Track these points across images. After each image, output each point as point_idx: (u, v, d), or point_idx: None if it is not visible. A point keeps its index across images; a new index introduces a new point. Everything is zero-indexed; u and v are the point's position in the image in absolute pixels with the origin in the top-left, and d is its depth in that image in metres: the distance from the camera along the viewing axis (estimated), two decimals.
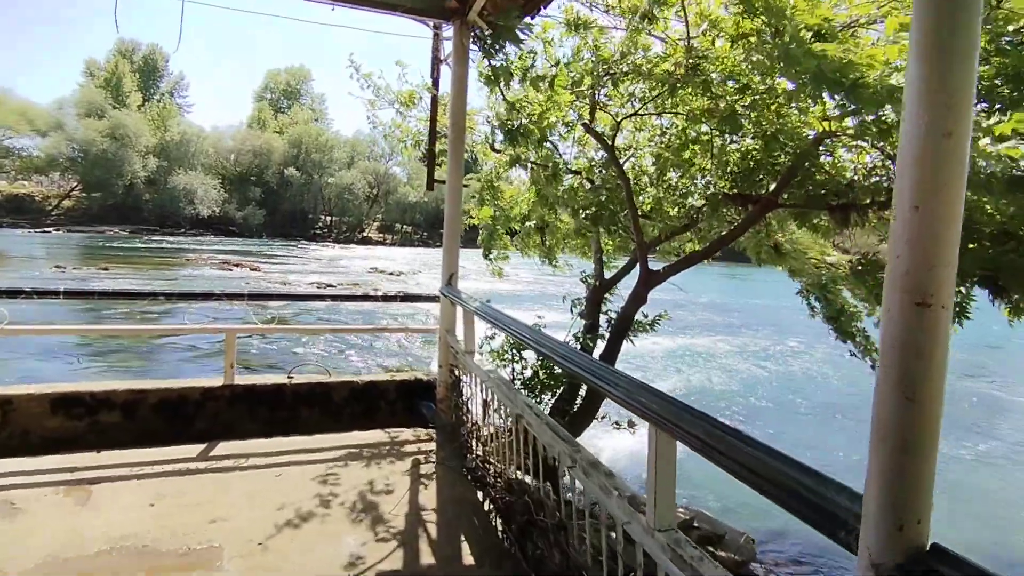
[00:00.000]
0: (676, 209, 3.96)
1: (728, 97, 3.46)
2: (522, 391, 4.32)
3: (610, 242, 4.41)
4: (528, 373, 4.61)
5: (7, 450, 3.34)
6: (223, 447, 3.51)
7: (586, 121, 3.85)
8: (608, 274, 5.15)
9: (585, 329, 4.20)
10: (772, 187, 3.67)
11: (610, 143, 3.87)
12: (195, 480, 3.08)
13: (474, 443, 3.43)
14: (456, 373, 3.97)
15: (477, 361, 3.52)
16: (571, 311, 4.39)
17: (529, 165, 4.95)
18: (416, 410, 4.28)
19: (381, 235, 73.32)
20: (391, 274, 26.76)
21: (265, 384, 3.94)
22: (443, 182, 4.94)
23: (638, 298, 3.88)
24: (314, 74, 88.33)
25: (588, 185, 4.50)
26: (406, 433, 3.92)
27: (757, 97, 3.41)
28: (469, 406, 3.71)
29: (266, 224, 62.61)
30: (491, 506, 3.02)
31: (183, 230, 54.92)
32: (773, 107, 3.48)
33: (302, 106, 79.31)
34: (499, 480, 3.06)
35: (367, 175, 71.21)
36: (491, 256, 6.09)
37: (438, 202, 76.54)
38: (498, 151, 5.36)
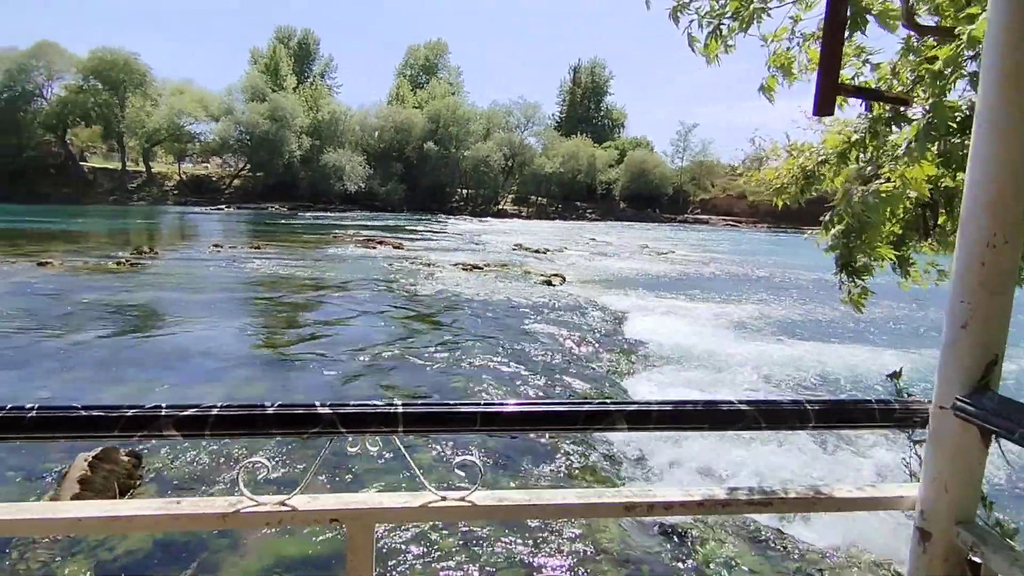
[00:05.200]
0: None
1: None
2: None
3: None
4: None
5: None
6: None
7: None
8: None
9: None
10: None
11: None
12: None
13: None
14: None
15: None
16: None
17: None
18: None
19: (516, 207, 72.03)
20: (536, 251, 24.41)
21: None
22: (870, 95, 2.00)
23: None
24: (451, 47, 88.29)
25: None
26: None
27: None
28: None
29: (406, 198, 63.93)
30: None
31: (333, 205, 57.51)
32: None
33: (439, 80, 79.76)
34: None
35: (502, 146, 69.95)
36: (855, 267, 3.08)
37: (574, 172, 73.29)
38: None
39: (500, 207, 70.41)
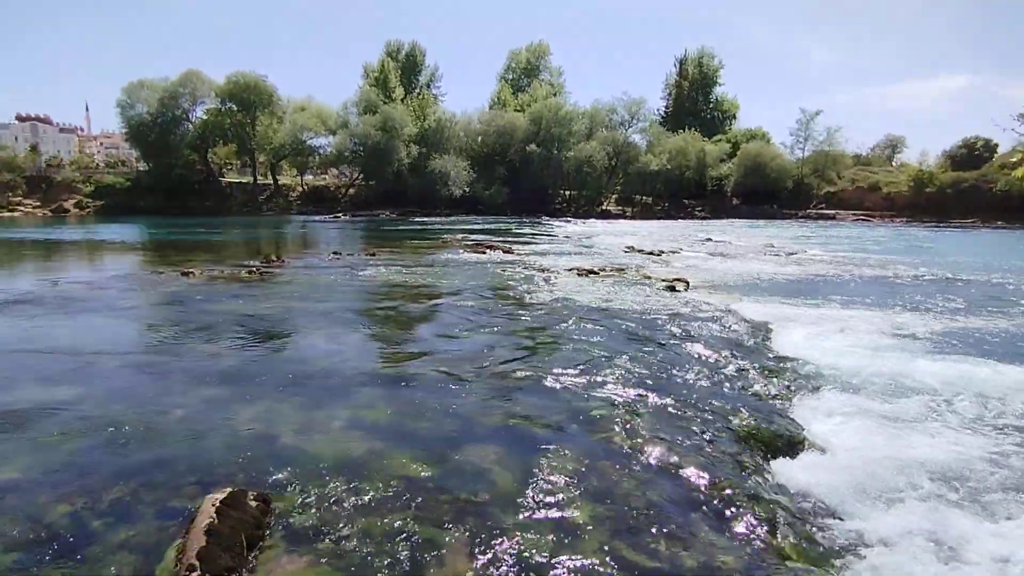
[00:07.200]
0: None
1: None
2: None
3: None
4: None
5: None
6: None
7: None
8: None
9: None
10: None
11: None
12: None
13: None
14: None
15: None
16: None
17: None
18: None
19: (620, 207, 70.03)
20: (650, 254, 23.01)
21: None
22: None
23: None
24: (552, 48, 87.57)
25: None
26: None
27: None
28: None
29: (509, 201, 64.19)
30: None
31: (439, 210, 59.00)
32: None
33: (541, 82, 79.52)
34: None
35: (606, 145, 68.24)
36: None
37: (681, 168, 69.83)
38: None
39: (603, 207, 68.75)
